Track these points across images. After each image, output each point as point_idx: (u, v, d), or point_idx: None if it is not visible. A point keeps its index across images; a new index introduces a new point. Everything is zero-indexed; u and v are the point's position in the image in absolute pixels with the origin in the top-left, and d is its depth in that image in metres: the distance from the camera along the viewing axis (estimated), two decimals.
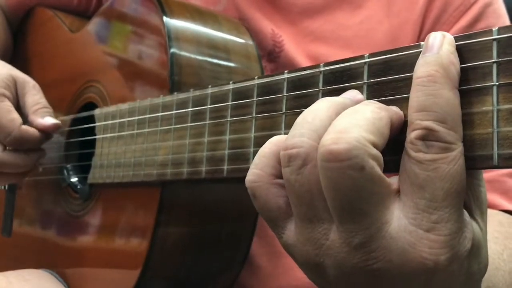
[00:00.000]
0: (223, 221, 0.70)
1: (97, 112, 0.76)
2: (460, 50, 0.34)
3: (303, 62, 0.78)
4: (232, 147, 0.51)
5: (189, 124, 0.57)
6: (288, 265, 0.75)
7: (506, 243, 0.62)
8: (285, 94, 0.45)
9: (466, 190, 0.34)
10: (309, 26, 0.80)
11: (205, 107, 0.55)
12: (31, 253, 0.89)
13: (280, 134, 0.45)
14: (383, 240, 0.33)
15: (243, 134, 0.49)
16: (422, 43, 0.36)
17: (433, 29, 0.78)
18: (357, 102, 0.38)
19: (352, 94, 0.39)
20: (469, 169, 0.34)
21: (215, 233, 0.70)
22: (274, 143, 0.39)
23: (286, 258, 0.66)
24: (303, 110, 0.38)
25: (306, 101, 0.43)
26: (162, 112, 0.61)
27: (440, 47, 0.34)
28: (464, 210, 0.35)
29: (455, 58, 0.34)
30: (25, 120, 0.76)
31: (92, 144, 0.76)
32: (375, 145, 0.33)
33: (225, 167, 0.51)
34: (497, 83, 0.33)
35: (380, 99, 0.38)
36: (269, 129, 0.47)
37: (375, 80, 0.38)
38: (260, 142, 0.47)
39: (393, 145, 0.35)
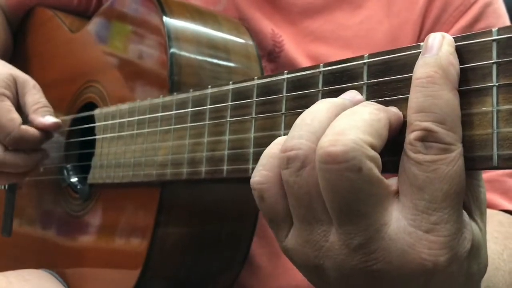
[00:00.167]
0: (223, 221, 0.70)
1: (97, 112, 0.76)
2: (459, 50, 0.34)
3: (303, 62, 0.78)
4: (231, 148, 0.51)
5: (189, 125, 0.57)
6: (288, 265, 0.75)
7: (506, 243, 0.62)
8: (284, 95, 0.45)
9: (465, 190, 0.34)
10: (309, 26, 0.80)
11: (205, 107, 0.55)
12: (31, 253, 0.89)
13: (280, 134, 0.45)
14: (382, 242, 0.33)
15: (242, 134, 0.49)
16: (422, 43, 0.36)
17: (433, 29, 0.78)
18: (357, 103, 0.38)
19: (352, 95, 0.39)
20: (469, 169, 0.34)
21: (215, 233, 0.70)
22: (281, 143, 0.38)
23: (286, 258, 0.66)
24: (303, 111, 0.38)
25: (306, 102, 0.43)
26: (162, 112, 0.61)
27: (439, 48, 0.34)
28: (464, 211, 0.35)
29: (454, 59, 0.34)
30: (26, 120, 0.76)
31: (92, 144, 0.76)
32: (373, 147, 0.33)
33: (225, 167, 0.51)
34: (497, 84, 0.32)
35: (379, 99, 0.38)
36: (268, 129, 0.46)
37: (375, 80, 0.38)
38: (259, 143, 0.47)
39: (392, 146, 0.35)
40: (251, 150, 0.48)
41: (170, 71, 0.65)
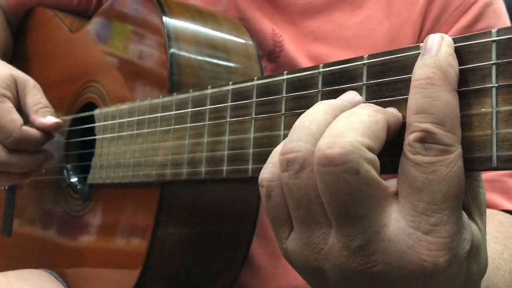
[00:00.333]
0: (223, 221, 0.70)
1: (96, 112, 0.76)
2: (459, 51, 0.34)
3: (303, 62, 0.78)
4: (231, 148, 0.51)
5: (189, 125, 0.57)
6: (288, 266, 0.74)
7: (506, 243, 0.62)
8: (284, 95, 0.45)
9: (465, 191, 0.34)
10: (309, 26, 0.80)
11: (205, 107, 0.55)
12: (31, 253, 0.89)
13: (279, 135, 0.45)
14: (382, 243, 0.33)
15: (242, 134, 0.49)
16: (421, 44, 0.36)
17: (433, 29, 0.78)
18: (356, 103, 0.38)
19: (351, 96, 0.39)
20: (468, 171, 0.33)
21: (215, 233, 0.70)
22: None
23: None
24: (303, 111, 0.38)
25: (306, 102, 0.43)
26: (161, 112, 0.61)
27: (438, 49, 0.34)
28: (463, 212, 0.35)
29: (453, 60, 0.34)
30: (26, 120, 0.76)
31: (92, 144, 0.76)
32: (370, 149, 0.33)
33: (225, 167, 0.51)
34: (496, 85, 0.32)
35: (379, 100, 0.38)
36: (268, 129, 0.46)
37: (375, 81, 0.38)
38: (259, 143, 0.47)
39: (391, 147, 0.35)
40: (251, 150, 0.48)
41: (170, 71, 0.65)
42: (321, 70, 0.42)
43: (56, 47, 0.93)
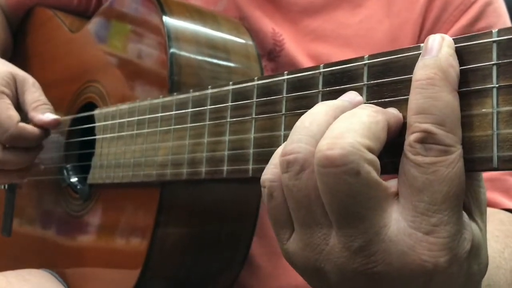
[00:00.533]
0: (223, 221, 0.70)
1: (96, 112, 0.76)
2: (459, 52, 0.34)
3: (304, 61, 0.78)
4: (231, 148, 0.50)
5: (189, 125, 0.57)
6: (288, 265, 0.74)
7: (507, 242, 0.62)
8: (284, 95, 0.45)
9: (465, 191, 0.34)
10: (310, 25, 0.80)
11: (205, 107, 0.55)
12: (31, 253, 0.89)
13: (280, 135, 0.45)
14: (382, 244, 0.33)
15: (242, 135, 0.49)
16: (421, 44, 0.35)
17: (433, 28, 0.78)
18: (356, 104, 0.38)
19: (351, 96, 0.39)
20: (469, 171, 0.33)
21: (215, 233, 0.69)
22: None
23: None
24: (303, 111, 0.38)
25: (306, 102, 0.43)
26: (161, 112, 0.61)
27: (439, 49, 0.34)
28: (463, 211, 0.35)
29: (454, 61, 0.34)
30: (25, 118, 0.76)
31: (92, 144, 0.76)
32: (370, 150, 0.33)
33: (225, 168, 0.51)
34: (497, 85, 0.32)
35: (379, 100, 0.38)
36: (269, 130, 0.46)
37: (375, 81, 0.38)
38: (259, 143, 0.47)
39: (392, 148, 0.35)
40: (251, 150, 0.48)
41: (170, 71, 0.65)
42: (322, 70, 0.42)
43: (56, 47, 0.93)
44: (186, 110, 0.57)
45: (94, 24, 0.83)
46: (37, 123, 0.75)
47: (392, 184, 0.35)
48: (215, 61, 0.69)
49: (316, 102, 0.42)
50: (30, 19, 1.00)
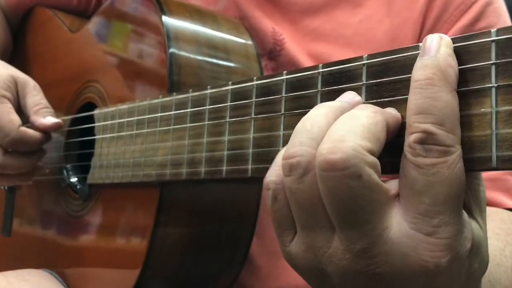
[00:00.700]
0: (223, 221, 0.70)
1: (96, 112, 0.76)
2: (458, 51, 0.34)
3: (304, 60, 0.78)
4: (231, 148, 0.50)
5: (188, 125, 0.57)
6: (288, 265, 0.75)
7: (508, 240, 0.63)
8: (284, 95, 0.45)
9: (465, 190, 0.34)
10: (310, 25, 0.80)
11: (204, 107, 0.55)
12: (31, 253, 0.89)
13: (279, 135, 0.45)
14: (384, 246, 0.33)
15: (242, 135, 0.49)
16: (420, 44, 0.35)
17: (434, 28, 0.78)
18: (355, 104, 0.38)
19: (350, 97, 0.38)
20: (468, 171, 0.33)
21: (215, 233, 0.69)
22: None
23: None
24: (302, 111, 0.38)
25: (305, 102, 0.43)
26: (161, 112, 0.61)
27: (437, 49, 0.34)
28: (463, 210, 0.35)
29: (452, 61, 0.34)
30: (26, 121, 0.76)
31: (91, 144, 0.76)
32: (371, 152, 0.33)
33: (224, 168, 0.51)
34: (496, 85, 0.32)
35: (378, 100, 0.38)
36: (268, 130, 0.46)
37: (374, 81, 0.38)
38: (259, 143, 0.47)
39: (391, 148, 0.35)
40: (250, 150, 0.48)
41: (170, 70, 0.64)
42: (321, 70, 0.42)
43: (56, 47, 0.93)
44: (186, 110, 0.57)
45: (94, 24, 0.83)
46: (39, 127, 0.75)
47: (392, 185, 0.35)
48: (214, 61, 0.69)
49: (315, 102, 0.42)
50: (30, 19, 1.00)
